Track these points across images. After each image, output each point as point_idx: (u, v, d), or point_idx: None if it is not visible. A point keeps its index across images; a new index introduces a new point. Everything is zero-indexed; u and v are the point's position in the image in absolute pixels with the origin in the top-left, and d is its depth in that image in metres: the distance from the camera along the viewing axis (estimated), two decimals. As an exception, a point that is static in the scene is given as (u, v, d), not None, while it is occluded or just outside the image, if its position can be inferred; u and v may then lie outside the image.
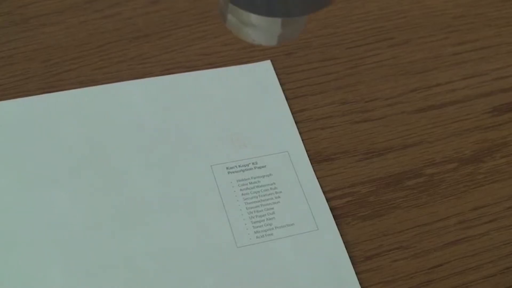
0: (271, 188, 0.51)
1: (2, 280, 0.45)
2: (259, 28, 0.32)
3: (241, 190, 0.51)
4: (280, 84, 0.57)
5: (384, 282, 0.48)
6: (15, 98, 0.54)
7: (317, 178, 0.52)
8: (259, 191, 0.51)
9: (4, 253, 0.46)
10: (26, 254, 0.46)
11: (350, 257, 0.49)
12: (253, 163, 0.52)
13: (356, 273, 0.48)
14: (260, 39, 0.33)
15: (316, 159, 0.54)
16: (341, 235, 0.50)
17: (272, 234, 0.49)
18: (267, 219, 0.50)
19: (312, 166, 0.53)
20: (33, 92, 0.55)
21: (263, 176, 0.52)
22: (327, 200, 0.51)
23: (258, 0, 0.29)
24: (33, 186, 0.49)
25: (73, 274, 0.46)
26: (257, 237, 0.49)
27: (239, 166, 0.52)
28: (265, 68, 0.58)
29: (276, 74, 0.58)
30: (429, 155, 0.55)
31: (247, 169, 0.52)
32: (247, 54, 0.59)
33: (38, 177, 0.50)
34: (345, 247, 0.49)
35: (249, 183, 0.51)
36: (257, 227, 0.49)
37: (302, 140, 0.54)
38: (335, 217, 0.51)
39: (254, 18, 0.32)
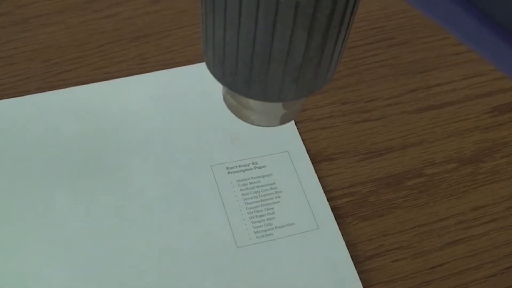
0: (271, 188, 0.51)
1: (2, 280, 0.45)
2: (259, 111, 0.32)
3: (241, 190, 0.51)
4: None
5: (384, 282, 0.48)
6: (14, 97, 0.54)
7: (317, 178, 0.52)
8: (259, 191, 0.51)
9: (4, 253, 0.46)
10: (26, 254, 0.46)
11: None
12: (253, 163, 0.52)
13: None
14: (261, 121, 0.33)
15: (316, 159, 0.54)
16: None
17: (272, 234, 0.49)
18: (267, 219, 0.50)
19: (313, 166, 0.53)
20: (33, 92, 0.55)
21: (263, 176, 0.52)
22: (327, 200, 0.51)
23: (254, 87, 0.29)
24: (33, 185, 0.49)
25: (73, 274, 0.46)
26: (257, 237, 0.49)
27: (239, 166, 0.52)
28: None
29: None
30: (429, 155, 0.55)
31: (247, 169, 0.52)
32: (247, 54, 0.59)
33: (38, 175, 0.50)
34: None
35: (249, 183, 0.51)
36: (257, 227, 0.49)
37: (302, 140, 0.54)
38: (335, 217, 0.51)
39: (253, 102, 0.32)
